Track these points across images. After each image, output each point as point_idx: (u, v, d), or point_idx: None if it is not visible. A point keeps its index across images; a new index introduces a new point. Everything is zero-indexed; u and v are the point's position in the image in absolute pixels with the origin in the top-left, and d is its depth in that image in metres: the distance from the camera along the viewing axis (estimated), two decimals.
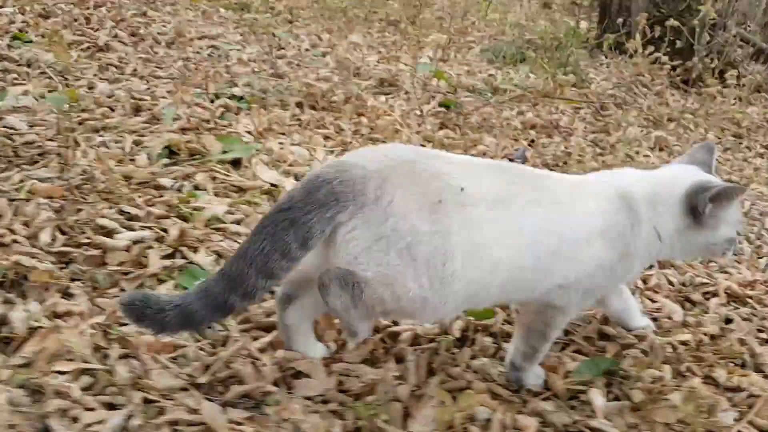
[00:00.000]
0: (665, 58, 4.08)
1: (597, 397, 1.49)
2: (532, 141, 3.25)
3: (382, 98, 3.37)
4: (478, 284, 1.30)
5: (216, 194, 2.09)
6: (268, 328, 1.56)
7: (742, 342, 1.78)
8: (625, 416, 1.46)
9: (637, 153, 3.34)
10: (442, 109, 3.36)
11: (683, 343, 1.75)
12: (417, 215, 1.22)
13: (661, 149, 3.55)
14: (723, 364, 1.66)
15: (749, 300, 2.05)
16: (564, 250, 1.37)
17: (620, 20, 4.50)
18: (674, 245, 1.53)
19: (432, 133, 3.03)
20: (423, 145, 2.87)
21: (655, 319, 1.85)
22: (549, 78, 3.80)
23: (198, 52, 3.62)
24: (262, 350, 1.49)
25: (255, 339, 1.52)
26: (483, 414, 1.37)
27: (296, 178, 2.28)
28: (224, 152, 2.33)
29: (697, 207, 1.49)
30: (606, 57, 4.87)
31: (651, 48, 4.22)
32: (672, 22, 3.92)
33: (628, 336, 1.75)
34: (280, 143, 2.57)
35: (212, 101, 2.83)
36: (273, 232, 1.22)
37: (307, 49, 4.05)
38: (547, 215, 1.36)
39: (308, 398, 1.37)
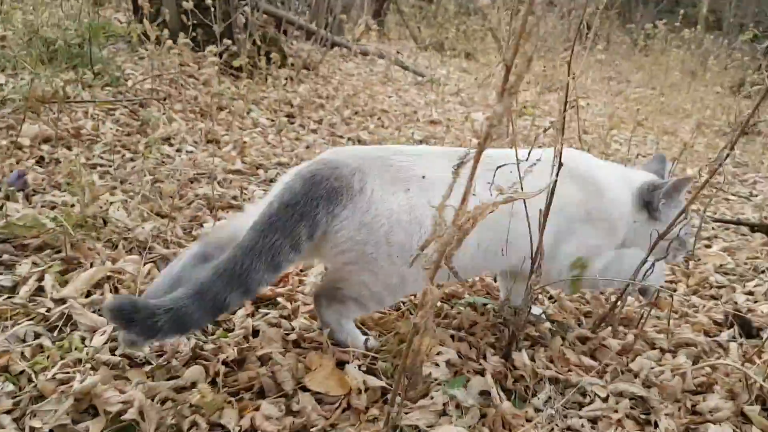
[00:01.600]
0: (190, 44, 3.82)
1: None
2: (41, 158, 2.59)
3: None
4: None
5: None
6: None
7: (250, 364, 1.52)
8: None
9: (179, 151, 2.98)
10: None
11: (181, 389, 1.39)
12: (394, 202, 1.43)
13: (209, 141, 3.27)
14: (239, 399, 1.36)
15: (280, 299, 1.83)
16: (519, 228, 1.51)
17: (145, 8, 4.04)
18: (634, 239, 1.79)
19: None
20: None
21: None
22: (48, 81, 3.13)
23: None
24: None
25: None
26: None
27: None
28: None
29: (651, 202, 1.76)
30: (146, 49, 4.40)
31: (193, 34, 3.92)
32: (189, 4, 3.63)
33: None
34: None
35: None
36: (283, 226, 1.33)
37: None
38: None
39: None
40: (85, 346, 1.49)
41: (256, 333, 1.65)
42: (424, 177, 1.47)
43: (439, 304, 1.92)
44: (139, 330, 1.20)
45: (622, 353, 1.78)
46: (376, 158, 1.48)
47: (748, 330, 2.05)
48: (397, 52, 7.63)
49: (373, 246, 1.41)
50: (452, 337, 1.71)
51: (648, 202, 1.78)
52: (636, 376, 1.65)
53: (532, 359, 1.65)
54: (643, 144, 5.39)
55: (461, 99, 5.88)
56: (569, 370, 1.62)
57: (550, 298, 2.12)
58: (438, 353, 1.59)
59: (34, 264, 1.79)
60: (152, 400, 1.30)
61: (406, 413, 1.35)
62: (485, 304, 1.91)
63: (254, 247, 1.31)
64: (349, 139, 3.84)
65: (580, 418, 1.43)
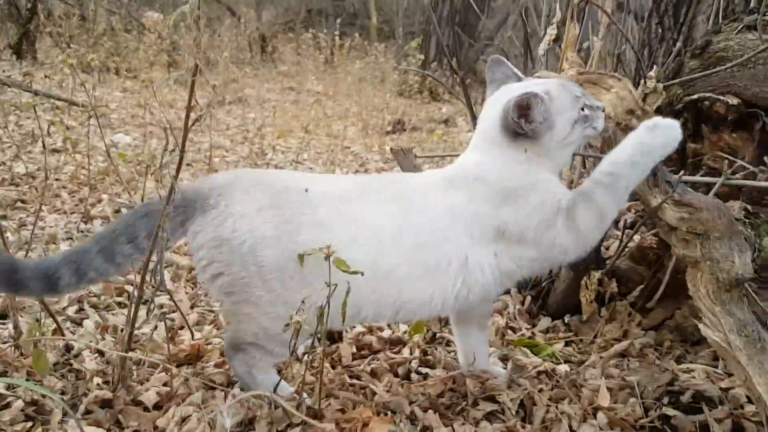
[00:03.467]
0: None
1: None
2: None
3: None
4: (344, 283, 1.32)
5: None
6: None
7: None
8: None
9: None
10: None
11: None
12: (258, 216, 1.35)
13: None
14: None
15: None
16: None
17: None
18: (541, 165, 1.49)
19: None
20: None
21: None
22: None
23: None
24: None
25: None
26: None
27: None
28: None
29: (516, 131, 1.46)
30: None
31: None
32: None
33: None
34: None
35: None
36: (127, 220, 1.43)
37: None
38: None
39: None
40: None
41: None
42: (306, 190, 1.42)
43: None
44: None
45: (161, 405, 1.49)
46: (250, 173, 1.50)
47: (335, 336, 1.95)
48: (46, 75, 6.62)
49: (240, 266, 1.34)
50: None
51: (513, 131, 1.45)
52: None
53: None
54: (308, 149, 5.41)
55: (108, 121, 5.30)
56: None
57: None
58: None
59: None
60: None
61: None
62: None
63: (97, 234, 1.44)
64: None
65: None
